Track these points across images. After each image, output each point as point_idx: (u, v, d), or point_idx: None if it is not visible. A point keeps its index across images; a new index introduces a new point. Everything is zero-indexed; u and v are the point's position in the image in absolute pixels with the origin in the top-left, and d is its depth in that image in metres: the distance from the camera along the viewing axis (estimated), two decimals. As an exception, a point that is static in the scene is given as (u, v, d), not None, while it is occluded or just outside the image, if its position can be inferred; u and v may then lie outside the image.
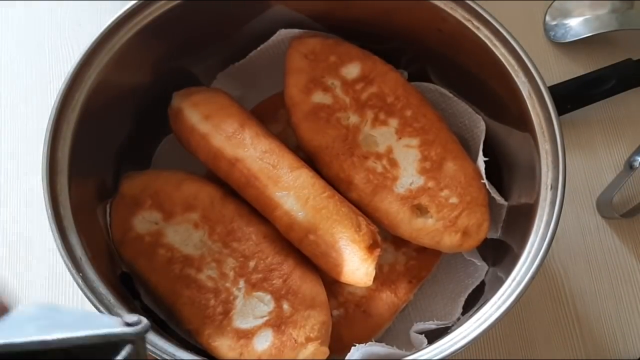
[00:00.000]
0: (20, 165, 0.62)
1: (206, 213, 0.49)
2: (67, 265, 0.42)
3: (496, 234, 0.52)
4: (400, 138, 0.51)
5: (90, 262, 0.43)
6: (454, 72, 0.53)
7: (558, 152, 0.44)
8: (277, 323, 0.46)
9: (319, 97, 0.52)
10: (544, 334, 0.56)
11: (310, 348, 0.45)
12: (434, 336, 0.44)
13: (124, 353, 0.23)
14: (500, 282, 0.43)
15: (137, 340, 0.24)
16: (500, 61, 0.47)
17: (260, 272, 0.47)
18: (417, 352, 0.41)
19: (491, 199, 0.51)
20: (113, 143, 0.52)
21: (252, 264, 0.48)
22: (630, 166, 0.58)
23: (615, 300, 0.57)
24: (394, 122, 0.52)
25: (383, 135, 0.52)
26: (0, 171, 0.62)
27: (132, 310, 0.43)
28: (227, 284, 0.47)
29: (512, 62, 0.46)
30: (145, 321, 0.25)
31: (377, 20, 0.53)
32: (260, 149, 0.48)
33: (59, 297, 0.58)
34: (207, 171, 0.53)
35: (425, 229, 0.49)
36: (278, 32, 0.53)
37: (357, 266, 0.46)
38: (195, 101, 0.51)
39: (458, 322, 0.51)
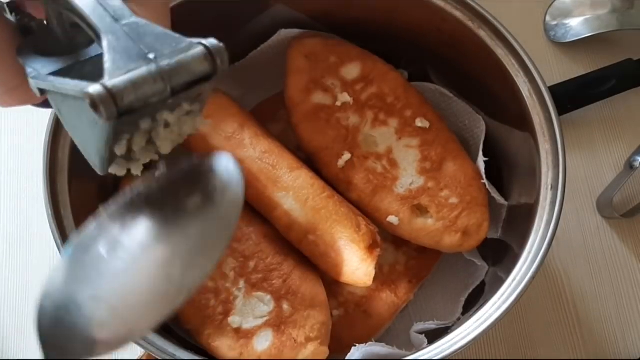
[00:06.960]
0: (21, 165, 0.62)
1: (206, 213, 0.49)
2: (67, 265, 0.42)
3: (496, 234, 0.52)
4: (400, 138, 0.51)
5: (90, 262, 0.43)
6: (454, 72, 0.53)
7: (558, 152, 0.44)
8: (277, 323, 0.46)
9: (319, 98, 0.52)
10: (544, 334, 0.56)
11: (310, 348, 0.45)
12: (434, 336, 0.44)
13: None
14: (500, 282, 0.43)
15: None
16: (501, 61, 0.47)
17: (260, 272, 0.47)
18: (417, 352, 0.41)
19: (491, 199, 0.50)
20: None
21: (252, 264, 0.48)
22: (630, 166, 0.58)
23: (616, 300, 0.57)
24: (394, 123, 0.52)
25: (383, 136, 0.51)
26: (0, 170, 0.62)
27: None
28: (227, 284, 0.47)
29: (513, 62, 0.46)
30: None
31: (377, 20, 0.53)
32: (259, 149, 0.48)
33: (59, 297, 0.58)
34: (207, 171, 0.53)
35: (425, 229, 0.49)
36: (278, 32, 0.53)
37: (356, 266, 0.46)
38: (195, 101, 0.51)
39: (458, 322, 0.51)
